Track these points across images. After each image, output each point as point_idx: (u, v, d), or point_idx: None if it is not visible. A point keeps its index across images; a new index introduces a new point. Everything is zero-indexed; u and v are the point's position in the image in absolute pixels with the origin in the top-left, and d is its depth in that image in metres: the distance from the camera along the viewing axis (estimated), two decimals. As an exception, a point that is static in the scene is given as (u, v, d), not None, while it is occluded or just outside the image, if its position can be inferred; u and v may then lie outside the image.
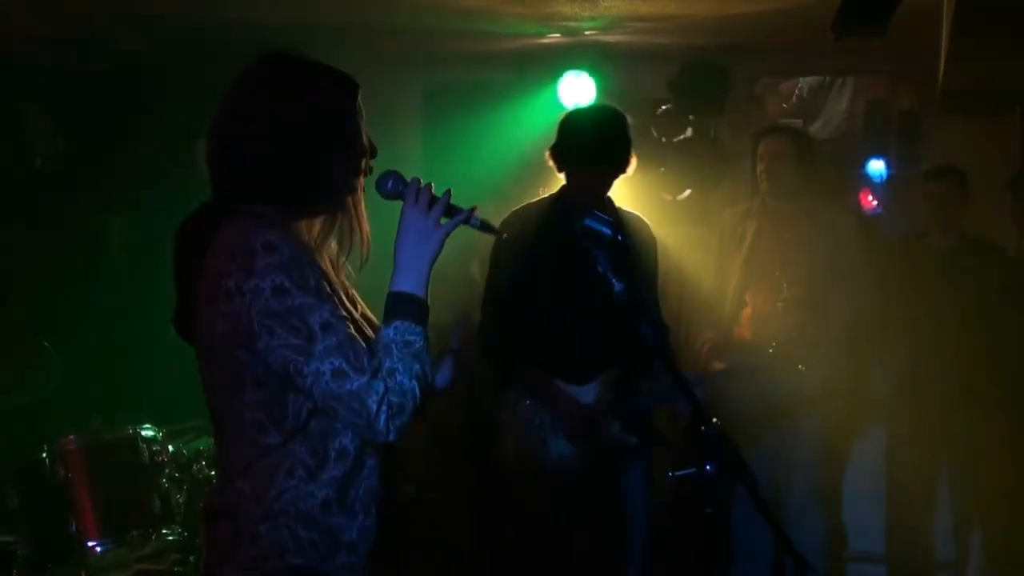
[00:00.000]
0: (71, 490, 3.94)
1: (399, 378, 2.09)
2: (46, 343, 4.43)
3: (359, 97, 2.27)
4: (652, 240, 4.06)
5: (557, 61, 5.54)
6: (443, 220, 2.24)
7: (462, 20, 4.93)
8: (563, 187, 3.99)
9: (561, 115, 4.05)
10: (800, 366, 4.29)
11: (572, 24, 5.12)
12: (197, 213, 2.25)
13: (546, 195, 4.09)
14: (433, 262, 2.22)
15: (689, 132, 5.66)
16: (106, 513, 3.95)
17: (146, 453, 4.03)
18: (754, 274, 4.76)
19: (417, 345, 2.14)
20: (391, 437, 2.10)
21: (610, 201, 3.98)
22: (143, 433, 4.07)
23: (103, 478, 3.98)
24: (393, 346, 2.12)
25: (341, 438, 2.17)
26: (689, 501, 2.44)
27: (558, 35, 5.34)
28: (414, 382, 2.11)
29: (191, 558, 3.85)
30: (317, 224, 2.27)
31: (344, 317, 2.13)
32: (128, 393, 4.93)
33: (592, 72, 5.52)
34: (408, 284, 2.19)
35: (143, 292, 5.30)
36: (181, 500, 3.93)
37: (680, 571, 4.59)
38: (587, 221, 2.47)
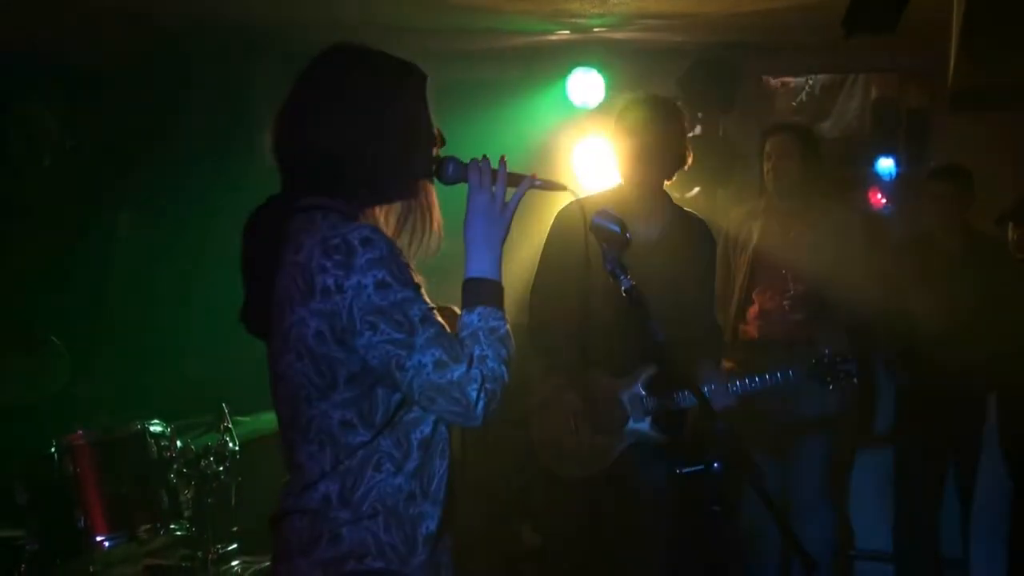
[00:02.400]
0: (79, 486, 3.94)
1: (491, 364, 2.12)
2: (54, 339, 4.44)
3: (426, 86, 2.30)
4: (709, 240, 4.03)
5: (566, 58, 5.54)
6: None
7: (470, 17, 4.93)
8: (619, 184, 3.95)
9: (618, 108, 3.97)
10: (831, 385, 4.23)
11: (581, 21, 5.11)
12: (266, 206, 2.26)
13: (608, 189, 4.04)
14: (504, 241, 2.25)
15: (698, 130, 5.66)
16: (114, 508, 3.95)
17: (154, 449, 4.04)
18: (760, 272, 4.76)
19: (502, 330, 2.17)
20: (484, 423, 2.12)
21: (667, 197, 3.95)
22: (151, 429, 4.08)
23: (111, 474, 3.99)
24: (480, 333, 2.15)
25: (422, 427, 2.20)
26: (697, 498, 2.44)
27: (567, 32, 5.33)
28: (503, 367, 2.14)
29: (199, 553, 3.86)
30: (392, 215, 2.30)
31: (433, 308, 2.15)
32: (136, 389, 4.94)
33: (601, 69, 5.52)
34: (484, 269, 2.21)
35: (151, 288, 5.34)
36: (189, 495, 3.94)
37: (688, 568, 4.59)
38: (596, 219, 2.47)
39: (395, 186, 2.26)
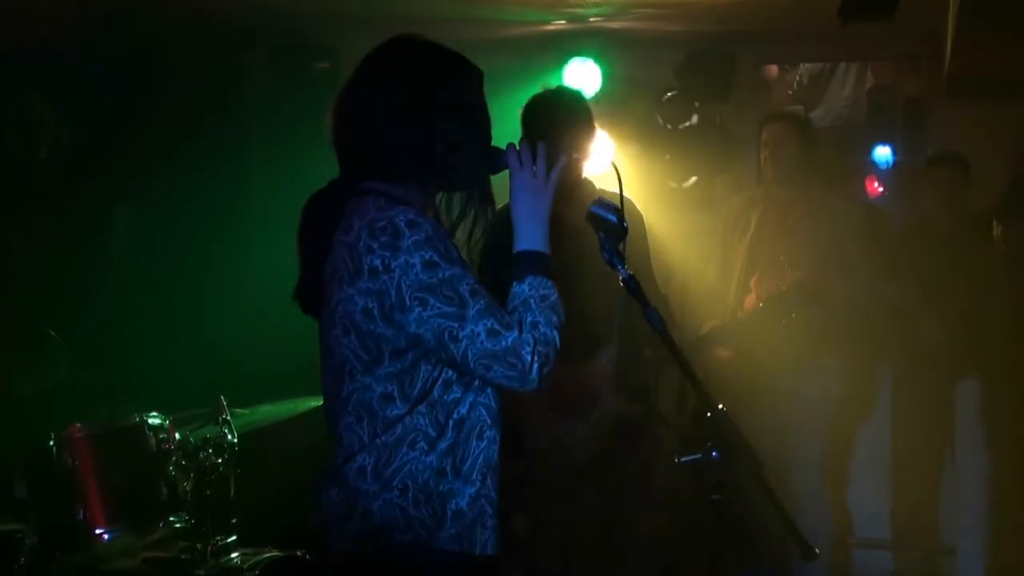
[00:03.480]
0: (78, 478, 3.93)
1: (543, 329, 2.23)
2: (52, 332, 4.44)
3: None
4: (639, 218, 4.02)
5: (562, 48, 5.53)
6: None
7: (466, 7, 4.92)
8: None
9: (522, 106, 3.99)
10: (792, 314, 4.30)
11: (577, 11, 5.11)
12: (326, 190, 2.37)
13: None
14: (548, 214, 2.35)
15: (695, 119, 5.65)
16: (113, 501, 3.94)
17: (153, 441, 4.02)
18: (758, 260, 4.77)
19: (552, 297, 2.28)
20: (540, 385, 2.22)
21: (590, 184, 3.94)
22: (150, 421, 4.06)
23: (110, 466, 3.97)
24: (531, 300, 2.25)
25: (460, 408, 2.29)
26: (695, 487, 2.44)
27: (563, 22, 5.32)
28: (555, 332, 2.25)
29: (198, 545, 3.84)
30: (455, 202, 2.44)
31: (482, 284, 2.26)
32: (134, 381, 4.94)
33: (597, 59, 5.51)
34: (532, 242, 2.32)
35: (149, 280, 5.33)
36: (188, 487, 3.92)
37: (686, 557, 4.60)
38: (593, 207, 2.47)
39: (460, 175, 2.38)
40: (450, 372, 2.27)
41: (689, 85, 5.53)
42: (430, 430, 2.26)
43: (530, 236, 2.33)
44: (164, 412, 4.17)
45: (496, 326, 2.19)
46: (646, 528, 4.01)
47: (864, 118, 6.21)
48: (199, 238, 5.25)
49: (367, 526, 2.26)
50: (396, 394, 2.26)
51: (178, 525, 3.96)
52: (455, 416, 2.28)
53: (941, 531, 5.17)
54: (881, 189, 5.92)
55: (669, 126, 5.59)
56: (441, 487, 2.26)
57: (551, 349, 2.24)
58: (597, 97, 5.41)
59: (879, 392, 5.32)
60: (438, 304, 2.18)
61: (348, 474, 2.28)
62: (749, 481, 2.37)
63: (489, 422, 2.32)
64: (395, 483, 2.25)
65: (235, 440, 3.91)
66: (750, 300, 4.76)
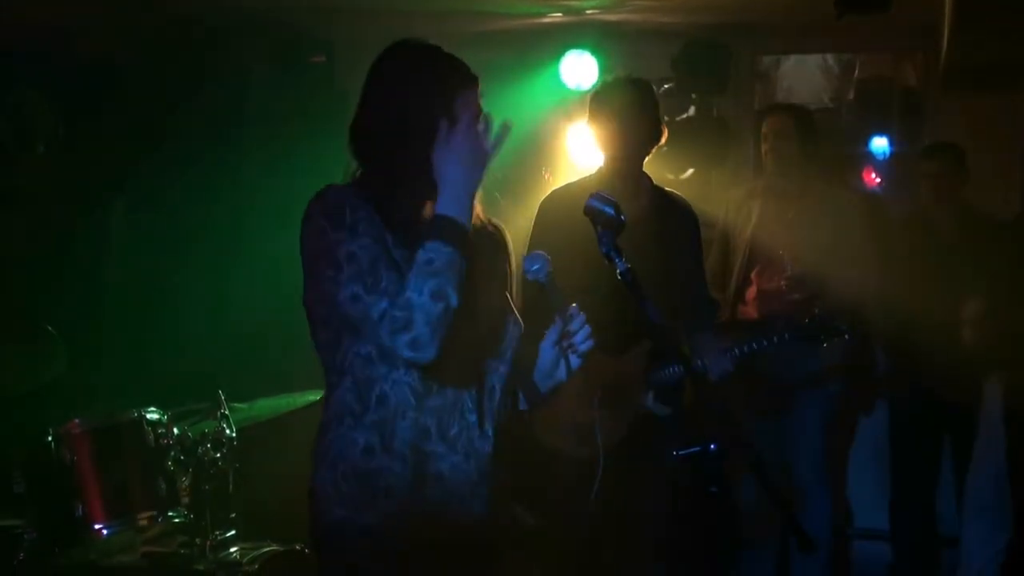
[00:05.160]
0: (77, 474, 3.94)
1: (407, 294, 2.18)
2: (49, 328, 4.43)
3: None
4: (691, 216, 4.05)
5: (559, 41, 5.52)
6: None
7: (461, 0, 4.92)
8: (600, 166, 3.99)
9: (591, 93, 4.05)
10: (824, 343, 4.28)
11: (573, 3, 5.10)
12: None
13: (588, 175, 4.08)
14: (479, 185, 2.32)
15: (692, 111, 5.65)
16: (112, 496, 3.94)
17: (151, 436, 4.03)
18: (759, 253, 4.76)
19: (437, 263, 2.21)
20: (406, 353, 2.19)
21: (647, 178, 3.98)
22: (148, 416, 4.07)
23: (109, 462, 3.98)
24: (416, 266, 2.21)
25: (382, 384, 2.29)
26: (694, 480, 2.44)
27: (559, 14, 5.32)
28: (424, 297, 2.18)
29: (197, 540, 3.85)
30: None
31: (386, 250, 2.24)
32: (132, 376, 4.93)
33: (594, 52, 5.50)
34: (453, 208, 2.26)
35: (147, 276, 5.33)
36: (187, 482, 3.93)
37: (687, 550, 4.60)
38: (590, 201, 2.47)
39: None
40: (369, 347, 2.27)
41: (685, 77, 5.52)
42: (355, 405, 2.30)
43: (453, 202, 2.27)
44: (162, 407, 4.17)
45: (360, 291, 2.21)
46: (658, 522, 4.00)
47: (856, 109, 6.21)
48: (196, 232, 5.25)
49: (315, 508, 2.34)
50: (330, 364, 2.33)
51: (177, 520, 3.97)
52: (377, 392, 2.29)
53: (940, 521, 5.16)
54: (879, 180, 5.92)
55: (666, 118, 5.58)
56: (368, 464, 2.28)
57: (414, 314, 2.18)
58: (593, 90, 5.39)
59: (878, 381, 5.32)
60: (322, 269, 2.24)
61: (315, 454, 2.38)
62: (747, 473, 2.36)
63: (413, 403, 2.30)
64: (328, 458, 2.31)
65: (233, 435, 3.91)
66: (751, 292, 4.76)
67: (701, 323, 3.96)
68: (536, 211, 3.98)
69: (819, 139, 4.87)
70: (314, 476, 2.34)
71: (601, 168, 3.98)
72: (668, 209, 3.97)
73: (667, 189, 4.09)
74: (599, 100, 3.94)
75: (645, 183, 3.98)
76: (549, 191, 4.08)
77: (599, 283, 3.77)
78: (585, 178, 4.05)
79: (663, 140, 3.95)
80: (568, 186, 4.05)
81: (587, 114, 3.97)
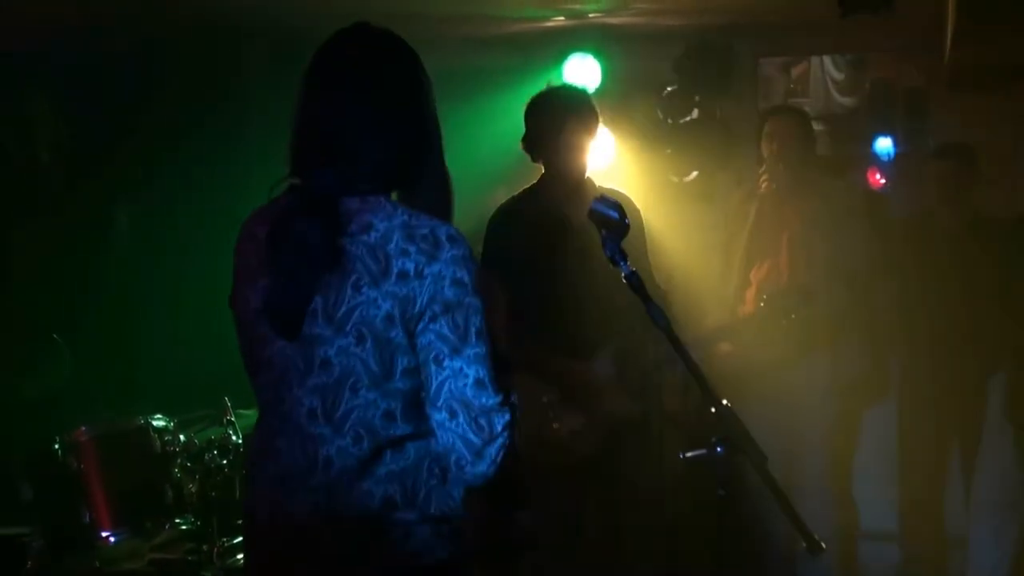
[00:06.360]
0: (84, 481, 3.95)
1: (511, 433, 2.10)
2: (55, 335, 4.44)
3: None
4: (637, 213, 4.02)
5: (562, 44, 5.52)
6: None
7: (465, 4, 4.91)
8: (543, 175, 3.98)
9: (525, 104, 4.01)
10: (792, 315, 4.30)
11: (576, 7, 5.10)
12: (306, 195, 2.32)
13: (532, 184, 4.06)
14: None
15: (695, 113, 5.64)
16: (119, 504, 3.96)
17: (158, 443, 4.04)
18: (757, 253, 4.77)
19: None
20: (491, 471, 2.08)
21: (591, 181, 3.97)
22: (154, 423, 4.08)
23: (115, 469, 3.99)
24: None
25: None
26: (700, 483, 2.44)
27: (562, 18, 5.32)
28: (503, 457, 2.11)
29: (204, 547, 3.86)
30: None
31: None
32: (138, 383, 4.94)
33: (597, 55, 5.50)
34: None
35: (151, 282, 5.33)
36: (193, 489, 3.94)
37: (692, 553, 4.59)
38: (594, 205, 2.46)
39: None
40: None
41: (689, 79, 5.52)
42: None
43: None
44: (169, 414, 4.19)
45: (487, 379, 2.05)
46: (649, 525, 4.01)
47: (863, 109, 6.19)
48: (200, 235, 5.25)
49: (407, 549, 2.10)
50: (398, 413, 2.10)
51: (184, 527, 3.98)
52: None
53: (949, 522, 5.15)
54: (883, 181, 5.91)
55: (670, 120, 5.58)
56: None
57: (504, 455, 2.08)
58: (597, 93, 5.39)
59: (885, 383, 5.31)
60: (444, 325, 2.04)
61: (372, 504, 2.10)
62: (754, 475, 2.35)
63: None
64: (432, 511, 2.12)
65: (240, 441, 3.91)
66: (750, 293, 4.76)
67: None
68: (485, 229, 3.94)
69: (828, 140, 4.88)
70: (410, 524, 2.12)
71: (544, 176, 3.97)
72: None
73: (610, 188, 4.04)
74: (581, 111, 3.90)
75: (589, 186, 3.94)
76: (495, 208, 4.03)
77: (556, 291, 3.81)
78: (528, 188, 4.04)
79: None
80: (513, 199, 4.03)
81: (526, 122, 3.93)
